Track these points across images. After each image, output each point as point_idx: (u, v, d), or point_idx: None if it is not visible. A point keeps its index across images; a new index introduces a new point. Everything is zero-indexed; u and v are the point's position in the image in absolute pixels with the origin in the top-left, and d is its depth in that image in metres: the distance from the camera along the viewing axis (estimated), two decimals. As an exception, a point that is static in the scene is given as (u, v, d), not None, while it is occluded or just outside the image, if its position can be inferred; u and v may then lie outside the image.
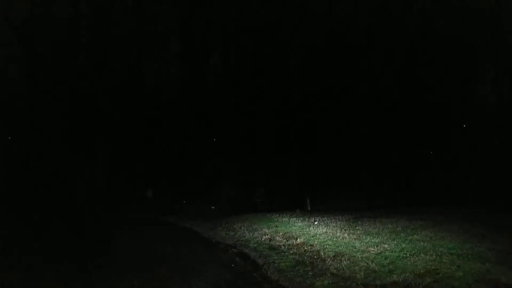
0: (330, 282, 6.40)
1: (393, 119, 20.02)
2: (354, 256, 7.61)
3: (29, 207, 16.11)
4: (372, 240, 8.80)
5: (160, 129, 21.40)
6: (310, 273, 6.92)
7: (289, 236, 9.72)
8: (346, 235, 9.50)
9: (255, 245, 9.23)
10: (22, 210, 15.83)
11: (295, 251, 8.46)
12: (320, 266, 7.24)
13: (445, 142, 20.54)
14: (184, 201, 17.90)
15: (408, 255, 7.43)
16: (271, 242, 9.40)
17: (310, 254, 8.06)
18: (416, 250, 7.74)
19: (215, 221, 13.10)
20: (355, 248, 8.25)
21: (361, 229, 10.22)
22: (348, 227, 10.49)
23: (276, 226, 11.16)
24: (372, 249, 8.06)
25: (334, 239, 9.13)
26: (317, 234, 9.82)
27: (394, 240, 8.76)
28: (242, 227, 11.40)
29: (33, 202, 16.89)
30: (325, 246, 8.51)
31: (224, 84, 21.70)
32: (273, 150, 20.08)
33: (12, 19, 20.17)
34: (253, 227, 11.32)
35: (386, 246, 8.21)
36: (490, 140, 20.42)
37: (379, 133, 19.75)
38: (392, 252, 7.75)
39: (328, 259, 7.57)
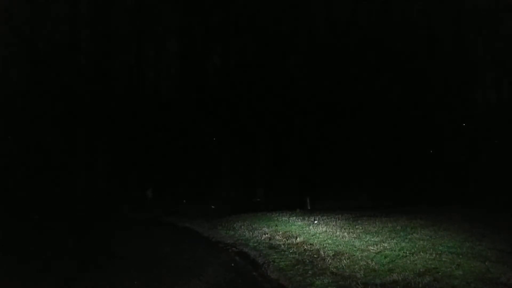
0: (330, 281, 6.39)
1: (392, 119, 20.04)
2: (354, 255, 7.60)
3: (29, 207, 16.11)
4: (372, 239, 8.79)
5: (160, 129, 21.41)
6: (309, 272, 6.91)
7: (289, 235, 9.71)
8: (345, 234, 9.48)
9: (254, 244, 9.23)
10: (22, 210, 15.83)
11: (294, 250, 8.46)
12: (319, 265, 7.23)
13: (445, 142, 20.55)
14: (184, 201, 17.91)
15: (408, 254, 7.41)
16: (270, 241, 9.40)
17: (310, 253, 8.05)
18: (415, 249, 7.72)
19: (215, 220, 13.10)
20: (355, 247, 8.24)
21: (360, 228, 10.20)
22: (348, 226, 10.48)
23: (276, 225, 11.16)
24: (372, 248, 8.05)
25: (334, 238, 9.12)
26: (317, 233, 9.81)
27: (394, 239, 8.74)
28: (242, 227, 11.41)
29: (33, 202, 16.89)
30: (325, 245, 8.50)
31: (224, 85, 21.70)
32: (273, 150, 20.10)
33: (12, 19, 20.18)
34: (253, 226, 11.32)
35: (386, 245, 8.20)
36: (490, 140, 20.44)
37: (379, 133, 19.77)
38: (392, 251, 7.73)
39: (328, 258, 7.55)
